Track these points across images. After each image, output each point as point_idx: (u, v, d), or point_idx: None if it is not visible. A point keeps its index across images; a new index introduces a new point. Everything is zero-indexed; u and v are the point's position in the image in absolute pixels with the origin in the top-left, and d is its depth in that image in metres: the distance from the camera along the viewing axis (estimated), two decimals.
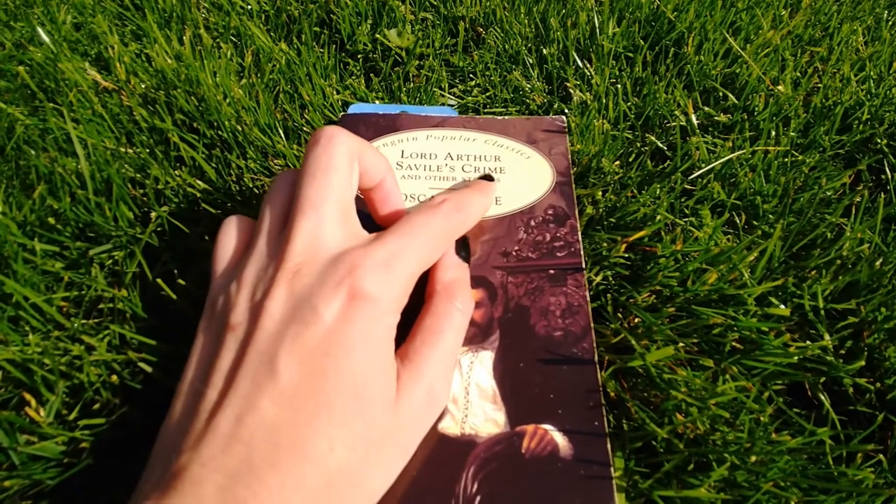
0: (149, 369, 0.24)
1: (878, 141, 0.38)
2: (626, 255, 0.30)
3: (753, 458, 0.22)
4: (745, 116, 0.37)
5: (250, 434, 0.17)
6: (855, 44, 0.47)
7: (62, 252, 0.28)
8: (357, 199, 0.24)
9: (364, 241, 0.21)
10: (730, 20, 0.44)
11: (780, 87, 0.39)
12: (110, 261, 0.28)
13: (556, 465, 0.21)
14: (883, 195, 0.33)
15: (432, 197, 0.25)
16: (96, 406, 0.24)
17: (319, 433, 0.17)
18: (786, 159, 0.35)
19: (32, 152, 0.31)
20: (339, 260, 0.20)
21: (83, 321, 0.26)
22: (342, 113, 0.36)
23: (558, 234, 0.28)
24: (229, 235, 0.23)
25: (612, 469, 0.21)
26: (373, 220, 0.26)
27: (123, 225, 0.29)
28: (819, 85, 0.41)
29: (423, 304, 0.23)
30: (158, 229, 0.29)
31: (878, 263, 0.30)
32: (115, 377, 0.24)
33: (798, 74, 0.41)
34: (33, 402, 0.23)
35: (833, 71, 0.42)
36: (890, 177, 0.35)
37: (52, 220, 0.29)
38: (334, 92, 0.37)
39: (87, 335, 0.25)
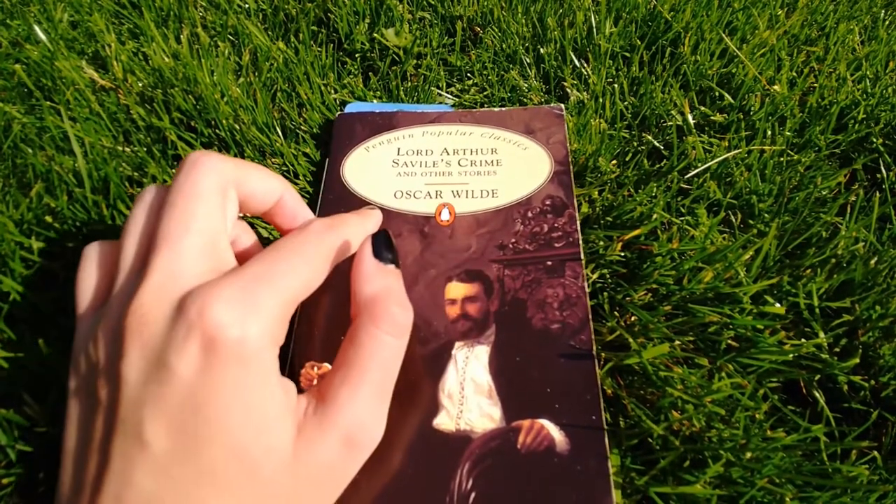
0: None
1: (874, 140, 0.38)
2: (623, 254, 0.30)
3: (748, 455, 0.22)
4: (741, 116, 0.37)
5: None
6: (851, 43, 0.47)
7: (59, 251, 0.28)
8: None
9: (223, 274, 0.18)
10: (726, 20, 0.44)
11: (776, 87, 0.39)
12: None
13: (552, 461, 0.21)
14: (878, 194, 0.33)
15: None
16: None
17: None
18: (781, 158, 0.35)
19: (29, 150, 0.31)
20: (188, 299, 0.17)
21: None
22: (339, 112, 0.36)
23: (556, 225, 0.28)
24: (89, 271, 0.20)
25: (609, 464, 0.21)
26: None
27: (121, 223, 0.29)
28: (815, 84, 0.41)
29: None
30: None
31: (872, 262, 0.30)
32: None
33: (794, 74, 0.42)
34: (29, 400, 0.23)
35: (829, 70, 0.43)
36: (885, 175, 0.35)
37: (49, 219, 0.29)
38: (332, 91, 0.37)
39: None
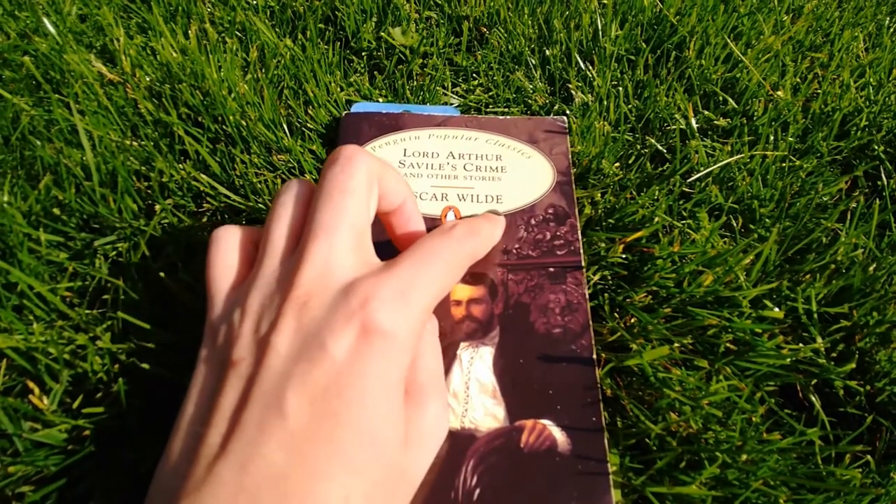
0: (150, 359, 0.24)
1: (875, 147, 0.38)
2: (624, 256, 0.30)
3: (744, 457, 0.22)
4: (745, 121, 0.38)
5: (256, 485, 0.15)
6: (856, 50, 0.47)
7: (67, 242, 0.29)
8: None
9: (377, 269, 0.20)
10: (731, 25, 0.44)
11: (779, 93, 0.39)
12: (114, 252, 0.29)
13: (553, 460, 0.22)
14: (878, 201, 0.33)
15: (444, 222, 0.25)
16: (99, 395, 0.24)
17: (334, 483, 0.16)
18: (783, 164, 0.35)
19: (38, 143, 0.31)
20: (351, 290, 0.18)
21: (87, 311, 0.26)
22: (346, 111, 0.36)
23: (558, 233, 0.29)
24: (227, 251, 0.22)
25: (608, 464, 0.22)
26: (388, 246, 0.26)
27: (128, 217, 0.29)
28: (819, 91, 0.41)
29: None
30: (163, 222, 0.30)
31: (871, 269, 0.30)
32: (117, 366, 0.24)
33: (798, 80, 0.42)
34: (37, 391, 0.24)
35: (833, 77, 0.43)
36: (885, 183, 0.35)
37: (57, 211, 0.29)
38: (338, 89, 0.37)
39: (91, 325, 0.25)
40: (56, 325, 0.26)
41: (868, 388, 0.27)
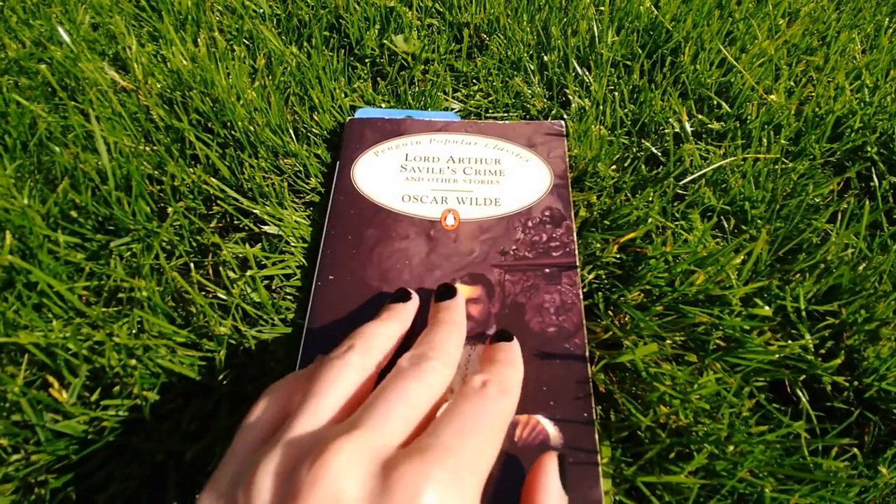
0: (164, 355, 0.26)
1: (869, 149, 0.39)
2: (619, 256, 0.31)
3: (731, 448, 0.23)
4: (738, 124, 0.38)
5: None
6: (852, 52, 0.48)
7: (84, 243, 0.30)
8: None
9: (417, 444, 0.18)
10: (726, 30, 0.45)
11: (772, 97, 0.40)
12: (129, 253, 0.30)
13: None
14: (868, 202, 0.34)
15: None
16: (116, 388, 0.25)
17: None
18: (776, 166, 0.36)
19: (56, 149, 0.32)
20: (396, 475, 0.16)
21: (103, 309, 0.27)
22: (350, 116, 0.37)
23: (554, 235, 0.30)
24: (264, 405, 0.20)
25: (598, 456, 0.23)
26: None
27: (142, 219, 0.30)
28: (813, 94, 0.42)
29: None
30: (175, 224, 0.31)
31: (860, 268, 0.31)
32: (133, 361, 0.26)
33: (792, 83, 0.43)
34: (56, 384, 0.25)
35: (828, 80, 0.44)
36: (878, 184, 0.36)
37: (74, 214, 0.30)
38: (343, 94, 0.39)
39: (107, 322, 0.27)
40: (74, 322, 0.27)
41: (856, 383, 0.28)
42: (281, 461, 0.17)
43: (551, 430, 0.23)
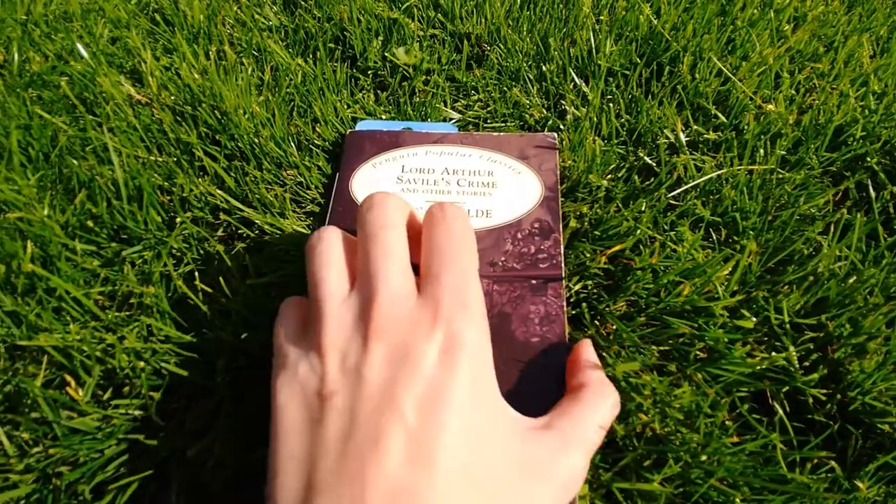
0: (169, 358, 0.28)
1: (869, 160, 0.39)
2: (607, 267, 0.32)
3: (704, 457, 0.24)
4: (734, 135, 0.39)
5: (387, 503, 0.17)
6: (860, 57, 0.47)
7: (99, 251, 0.32)
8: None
9: (423, 287, 0.22)
10: (726, 37, 0.45)
11: (770, 106, 0.40)
12: (140, 260, 0.32)
13: None
14: (858, 215, 0.34)
15: (429, 210, 0.26)
16: (126, 388, 0.27)
17: (458, 499, 0.17)
18: (771, 176, 0.36)
19: (74, 162, 0.34)
20: (422, 310, 0.21)
21: (116, 313, 0.29)
22: (350, 128, 0.39)
23: (542, 247, 0.31)
24: (289, 310, 0.24)
25: None
26: None
27: (152, 228, 0.32)
28: (815, 101, 0.42)
29: None
30: (183, 233, 0.33)
31: (850, 280, 0.31)
32: (141, 363, 0.27)
33: (793, 91, 0.43)
34: (73, 383, 0.27)
35: (831, 87, 0.43)
36: (873, 196, 0.36)
37: (90, 223, 0.32)
38: (345, 107, 0.40)
39: (119, 326, 0.29)
40: (89, 325, 0.29)
41: (839, 397, 0.28)
42: (337, 321, 0.21)
43: None
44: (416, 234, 0.25)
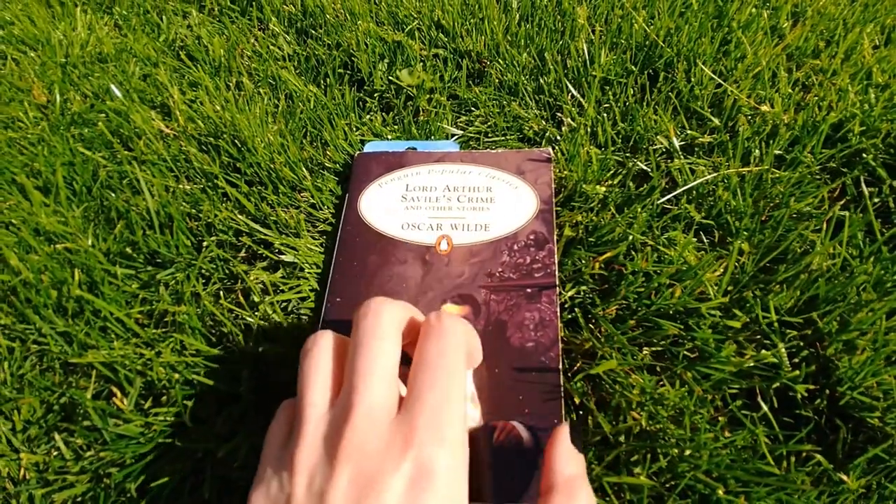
0: (199, 370, 0.31)
1: (865, 155, 0.39)
2: (602, 272, 0.33)
3: (688, 452, 0.25)
4: (728, 137, 0.40)
5: None
6: (861, 51, 0.47)
7: (137, 275, 0.36)
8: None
9: (405, 405, 0.21)
10: (721, 38, 0.46)
11: (765, 107, 0.41)
12: (173, 281, 0.35)
13: (520, 454, 0.26)
14: (849, 213, 0.35)
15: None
16: (163, 398, 0.31)
17: None
18: (765, 177, 0.37)
19: (112, 194, 0.38)
20: (395, 433, 0.20)
21: (154, 331, 0.33)
22: (359, 150, 0.41)
23: (537, 258, 0.33)
24: (279, 419, 0.24)
25: None
26: None
27: (183, 252, 0.36)
28: (814, 97, 0.42)
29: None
30: (210, 255, 0.36)
31: (841, 277, 0.32)
32: (176, 375, 0.31)
33: (790, 90, 0.43)
34: (118, 394, 0.30)
35: (830, 83, 0.44)
36: (866, 192, 0.36)
37: (129, 250, 0.36)
38: (353, 130, 0.43)
39: (156, 342, 0.32)
40: (131, 342, 0.33)
41: (828, 392, 0.29)
42: (311, 439, 0.21)
43: (525, 434, 0.26)
44: (415, 340, 0.24)
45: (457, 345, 0.23)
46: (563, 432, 0.23)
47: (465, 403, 0.22)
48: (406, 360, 0.23)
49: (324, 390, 0.22)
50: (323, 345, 0.23)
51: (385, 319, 0.23)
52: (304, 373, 0.23)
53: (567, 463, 0.22)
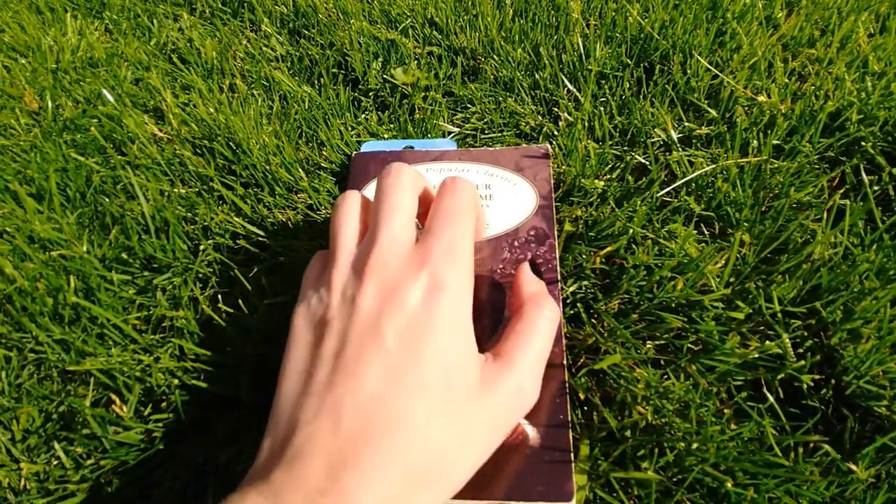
0: (199, 375, 0.30)
1: (864, 143, 0.39)
2: (603, 267, 0.33)
3: (695, 445, 0.25)
4: (726, 128, 0.39)
5: (361, 404, 0.20)
6: (856, 39, 0.47)
7: (133, 280, 0.35)
8: None
9: (423, 237, 0.25)
10: (716, 29, 0.45)
11: (761, 97, 0.41)
12: (170, 286, 0.35)
13: (525, 452, 0.26)
14: (849, 201, 0.35)
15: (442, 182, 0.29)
16: (163, 404, 0.30)
17: (419, 410, 0.20)
18: (764, 167, 0.37)
19: (106, 199, 0.38)
20: (415, 255, 0.24)
21: (151, 336, 0.32)
22: (356, 150, 0.41)
23: (538, 253, 0.32)
24: (312, 264, 0.28)
25: (572, 455, 0.25)
26: None
27: (180, 256, 0.35)
28: (811, 87, 0.42)
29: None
30: (206, 259, 0.36)
31: (844, 266, 0.32)
32: (175, 381, 0.30)
33: (787, 80, 0.43)
34: (118, 401, 0.30)
35: (826, 72, 0.44)
36: (866, 180, 0.36)
37: (125, 255, 0.35)
38: (349, 129, 0.43)
39: (154, 347, 0.32)
40: (129, 348, 0.32)
41: (834, 381, 0.29)
42: (344, 263, 0.25)
43: (531, 431, 0.26)
44: (427, 208, 0.28)
45: (470, 200, 0.27)
46: (525, 266, 0.29)
47: (472, 247, 0.26)
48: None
49: (353, 233, 0.26)
50: (352, 198, 0.28)
51: (405, 177, 0.27)
52: (336, 221, 0.27)
53: (530, 284, 0.27)
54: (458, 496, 0.23)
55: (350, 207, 0.27)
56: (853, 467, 0.26)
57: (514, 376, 0.23)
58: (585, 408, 0.29)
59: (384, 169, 0.27)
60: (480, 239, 0.30)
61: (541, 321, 0.25)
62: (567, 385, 0.27)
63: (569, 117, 0.41)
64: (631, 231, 0.33)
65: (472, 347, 0.23)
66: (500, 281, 0.31)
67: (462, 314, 0.23)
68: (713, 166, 0.36)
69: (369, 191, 0.36)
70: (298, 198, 0.38)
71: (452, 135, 0.42)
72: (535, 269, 0.30)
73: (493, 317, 0.29)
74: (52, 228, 0.37)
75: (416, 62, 0.47)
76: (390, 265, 0.23)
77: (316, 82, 0.47)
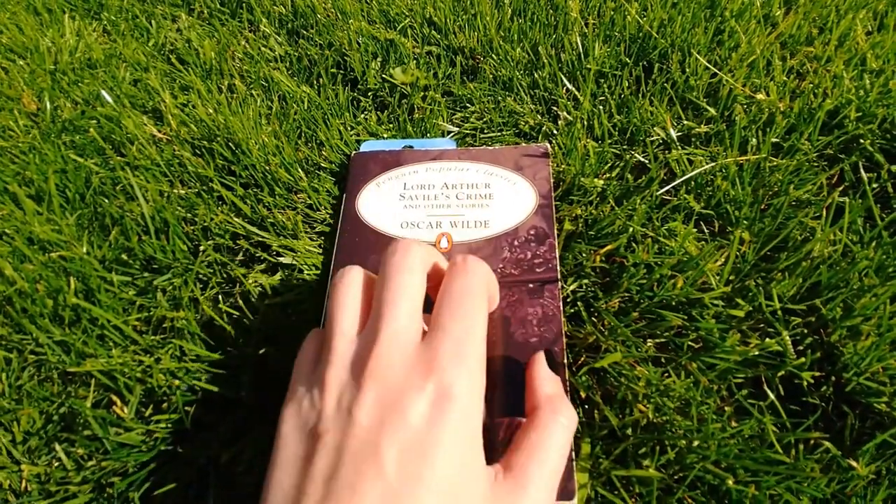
0: (200, 375, 0.30)
1: (863, 140, 0.39)
2: (603, 265, 0.33)
3: (696, 443, 0.25)
4: (725, 127, 0.40)
5: None
6: (854, 37, 0.47)
7: (133, 282, 0.35)
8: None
9: (429, 333, 0.22)
10: (714, 28, 0.45)
11: (760, 95, 0.41)
12: (171, 287, 0.35)
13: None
14: (848, 198, 0.35)
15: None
16: (164, 405, 0.30)
17: None
18: (763, 165, 0.37)
19: (106, 200, 0.38)
20: (419, 361, 0.21)
21: (152, 337, 0.32)
22: (355, 150, 0.41)
23: (538, 252, 0.32)
24: (306, 349, 0.25)
25: (573, 453, 0.25)
26: None
27: (180, 257, 0.35)
28: (809, 85, 0.42)
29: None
30: (206, 259, 0.36)
31: (843, 264, 0.32)
32: (177, 381, 0.30)
33: (785, 78, 0.43)
34: (118, 403, 0.30)
35: (825, 70, 0.44)
36: (865, 177, 0.36)
37: (125, 256, 0.35)
38: (349, 129, 0.43)
39: (155, 348, 0.32)
40: (129, 349, 0.32)
41: (834, 378, 0.29)
42: (341, 361, 0.22)
43: None
44: (437, 283, 0.25)
45: (480, 284, 0.24)
46: (540, 358, 0.26)
47: (484, 338, 0.23)
48: (427, 308, 0.24)
49: (353, 319, 0.23)
50: (353, 277, 0.25)
51: (413, 257, 0.24)
52: (333, 302, 0.24)
53: (545, 383, 0.25)
54: None
55: (350, 286, 0.24)
56: (853, 464, 0.26)
57: (529, 498, 0.21)
58: (586, 406, 0.29)
59: (390, 245, 0.25)
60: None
61: (557, 431, 0.23)
62: (568, 383, 0.28)
63: (568, 116, 0.41)
64: (631, 229, 0.33)
65: (481, 463, 0.21)
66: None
67: (470, 426, 0.21)
68: (712, 164, 0.36)
69: (370, 190, 0.36)
70: (298, 198, 0.38)
71: (452, 134, 0.42)
72: (552, 361, 0.27)
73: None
74: (52, 230, 0.37)
75: (414, 62, 0.47)
76: (393, 369, 0.21)
77: (315, 82, 0.47)
